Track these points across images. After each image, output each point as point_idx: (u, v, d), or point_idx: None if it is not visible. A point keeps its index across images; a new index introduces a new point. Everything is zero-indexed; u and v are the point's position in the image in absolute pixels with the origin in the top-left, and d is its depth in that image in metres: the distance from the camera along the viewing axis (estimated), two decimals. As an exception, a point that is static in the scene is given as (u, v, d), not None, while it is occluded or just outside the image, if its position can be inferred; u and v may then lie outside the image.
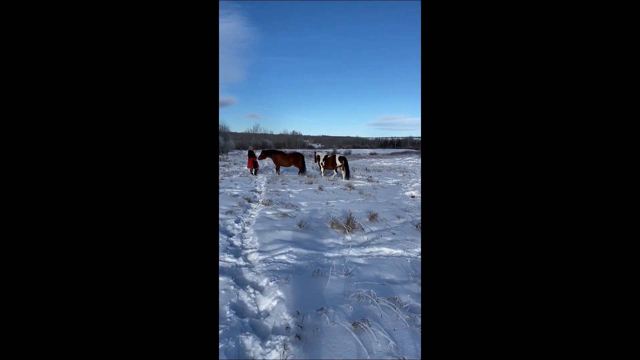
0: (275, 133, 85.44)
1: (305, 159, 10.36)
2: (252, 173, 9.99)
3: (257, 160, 10.06)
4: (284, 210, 4.25)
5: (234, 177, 8.70)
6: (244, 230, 3.36)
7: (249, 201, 4.96)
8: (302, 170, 9.50)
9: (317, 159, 9.59)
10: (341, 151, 41.44)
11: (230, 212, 4.06)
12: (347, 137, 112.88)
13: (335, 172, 9.07)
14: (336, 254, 2.64)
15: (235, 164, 16.21)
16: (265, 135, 74.36)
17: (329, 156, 9.51)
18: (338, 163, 9.13)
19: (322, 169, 9.17)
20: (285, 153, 10.02)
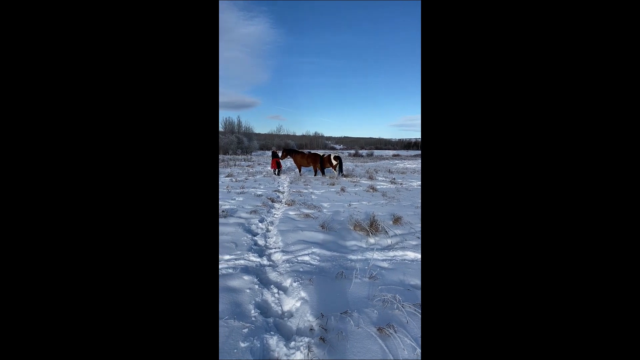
0: (297, 134, 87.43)
1: (342, 160, 10.75)
2: (275, 173, 10.32)
3: (280, 160, 10.44)
4: (306, 211, 4.30)
5: (257, 177, 8.99)
6: (268, 230, 3.40)
7: (273, 201, 5.05)
8: (321, 171, 9.86)
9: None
10: (363, 152, 44.01)
11: (254, 211, 4.18)
12: (370, 138, 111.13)
13: (333, 170, 9.64)
14: (359, 257, 2.62)
15: (259, 164, 16.62)
16: (288, 137, 76.07)
17: (324, 156, 9.99)
18: (334, 162, 9.93)
19: (315, 170, 9.82)
20: (305, 153, 10.43)
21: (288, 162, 16.11)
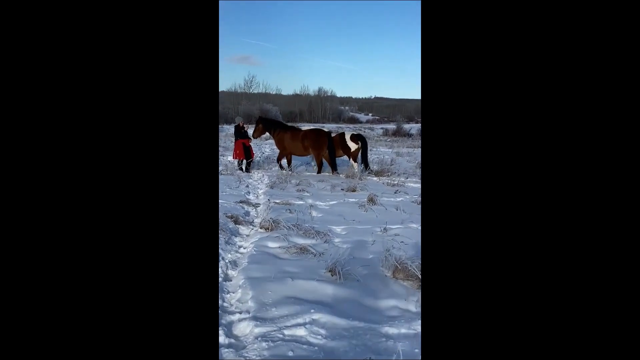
0: (284, 92, 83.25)
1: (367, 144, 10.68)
2: (240, 167, 10.43)
3: (251, 142, 10.76)
4: (301, 242, 4.42)
5: None
6: (227, 278, 3.57)
7: (237, 222, 5.19)
8: (331, 163, 10.03)
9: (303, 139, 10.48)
10: (412, 128, 39.69)
11: None
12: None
13: (352, 162, 10.09)
14: (404, 330, 2.71)
15: None
16: (266, 97, 67.40)
17: (335, 135, 10.36)
18: (351, 145, 10.00)
19: (319, 163, 10.33)
20: (297, 130, 10.52)
21: (267, 146, 16.11)
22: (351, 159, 10.06)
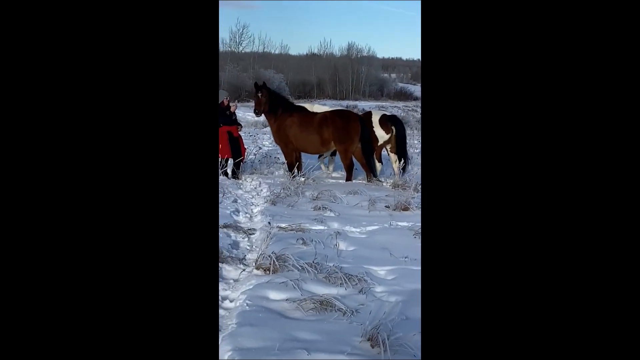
0: (294, 52, 65.79)
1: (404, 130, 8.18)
2: (224, 171, 8.08)
3: (239, 130, 8.29)
4: (322, 292, 3.68)
5: None
6: None
7: (219, 259, 4.39)
8: (368, 164, 7.79)
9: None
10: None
11: None
12: None
13: (393, 165, 8.27)
14: None
15: None
16: (265, 58, 52.48)
17: (324, 112, 7.99)
18: (381, 134, 7.64)
19: (347, 164, 8.03)
20: (312, 114, 8.12)
21: (266, 137, 13.30)
22: (390, 153, 8.04)
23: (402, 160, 7.75)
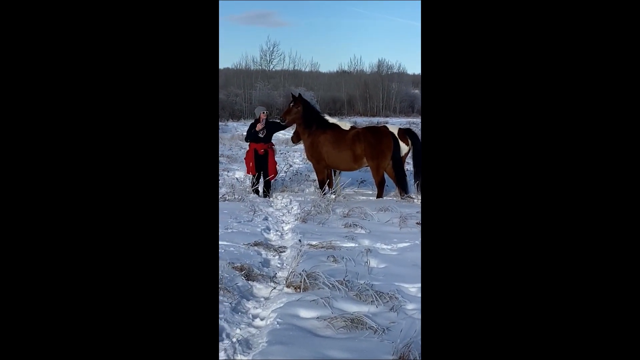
0: (324, 69, 62.09)
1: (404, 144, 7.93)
2: (256, 189, 8.15)
3: (273, 149, 8.12)
4: (354, 309, 3.67)
5: None
6: None
7: (249, 277, 4.42)
8: (400, 182, 7.64)
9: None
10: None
11: None
12: None
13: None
14: None
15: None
16: (296, 76, 52.76)
17: (357, 129, 8.07)
18: (402, 148, 7.41)
19: (378, 178, 7.85)
20: (343, 130, 8.01)
21: (297, 155, 13.16)
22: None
23: (416, 175, 7.48)
